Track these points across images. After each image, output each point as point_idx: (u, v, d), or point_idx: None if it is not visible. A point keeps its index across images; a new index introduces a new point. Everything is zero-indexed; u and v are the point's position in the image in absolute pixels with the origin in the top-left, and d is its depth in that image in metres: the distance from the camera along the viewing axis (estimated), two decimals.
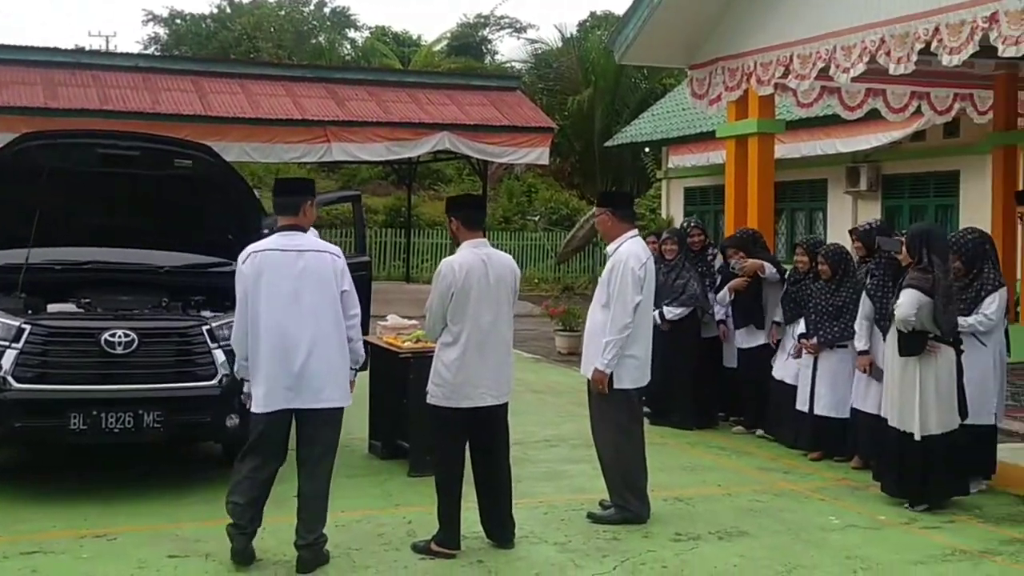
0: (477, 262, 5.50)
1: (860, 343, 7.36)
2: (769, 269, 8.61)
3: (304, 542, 5.17)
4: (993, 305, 6.70)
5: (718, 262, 9.23)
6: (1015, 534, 6.00)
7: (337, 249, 5.41)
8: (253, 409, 5.16)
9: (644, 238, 9.05)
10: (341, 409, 5.28)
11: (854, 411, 7.59)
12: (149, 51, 39.11)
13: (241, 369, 5.26)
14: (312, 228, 5.43)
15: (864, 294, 7.35)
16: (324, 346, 5.15)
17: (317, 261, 5.21)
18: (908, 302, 6.30)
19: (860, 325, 7.36)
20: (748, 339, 8.78)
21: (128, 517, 6.00)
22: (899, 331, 6.44)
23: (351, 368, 5.37)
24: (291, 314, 5.10)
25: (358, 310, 5.39)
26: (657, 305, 7.93)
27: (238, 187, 7.54)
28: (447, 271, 5.47)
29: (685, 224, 9.74)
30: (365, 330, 8.15)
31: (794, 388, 8.10)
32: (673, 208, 22.98)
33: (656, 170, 24.53)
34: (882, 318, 7.05)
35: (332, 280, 5.23)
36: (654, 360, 6.29)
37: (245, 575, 5.13)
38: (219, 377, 6.43)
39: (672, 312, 8.80)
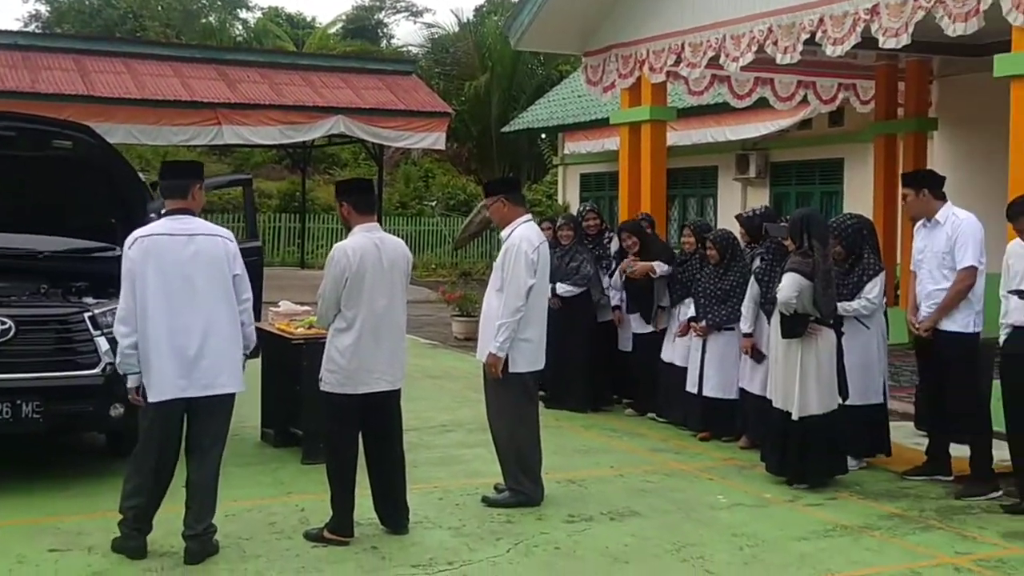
0: (370, 246, 5.45)
1: (745, 325, 7.56)
2: (660, 268, 8.67)
3: (192, 532, 5.07)
4: (875, 289, 6.94)
5: (614, 246, 9.31)
6: (893, 509, 6.24)
7: (228, 232, 5.30)
8: (149, 399, 5.01)
9: (539, 224, 9.13)
10: (234, 396, 5.19)
11: (742, 392, 7.78)
12: (29, 28, 37.59)
13: (125, 359, 5.06)
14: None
15: (752, 278, 7.53)
16: (218, 332, 5.05)
17: (209, 245, 5.11)
18: (789, 285, 6.48)
19: (746, 308, 7.56)
20: (642, 324, 8.91)
21: (6, 510, 5.78)
22: (781, 314, 6.61)
23: (243, 354, 5.28)
24: (183, 300, 4.98)
25: (250, 294, 5.31)
26: (557, 280, 7.98)
27: (121, 170, 7.32)
28: (340, 256, 5.41)
29: (581, 209, 9.82)
30: (257, 316, 8.03)
31: (683, 370, 8.26)
32: (569, 194, 23.16)
33: (552, 156, 24.68)
34: (767, 302, 7.24)
35: (225, 264, 5.13)
36: (549, 344, 6.31)
37: (129, 568, 4.99)
38: (102, 365, 6.23)
39: (564, 288, 8.84)
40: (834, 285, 6.68)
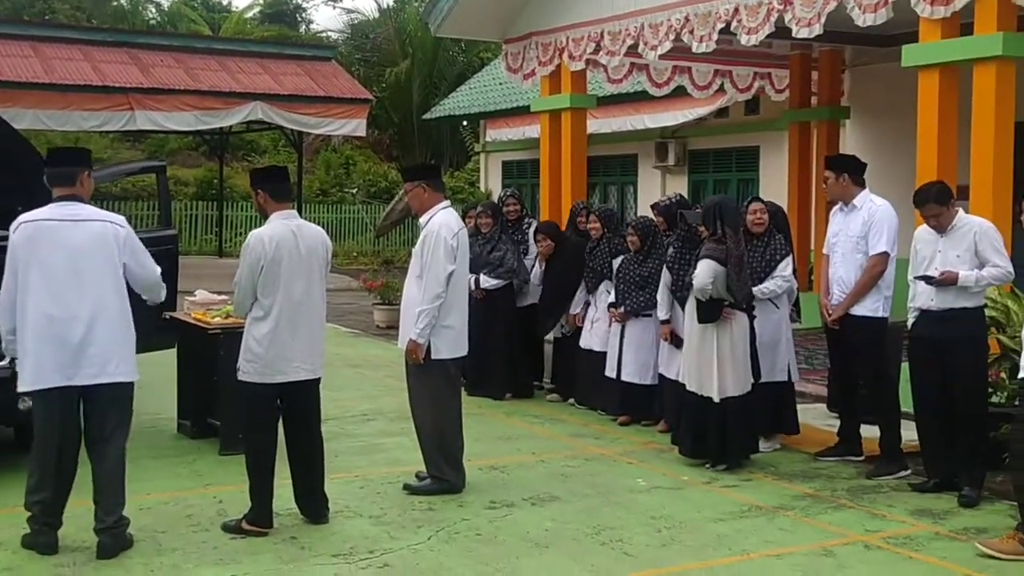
0: (287, 234, 5.39)
1: (661, 312, 7.67)
2: (577, 307, 8.73)
3: (103, 526, 4.97)
4: (788, 269, 7.13)
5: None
6: (806, 489, 6.40)
7: (120, 218, 5.18)
8: (20, 388, 4.92)
9: (465, 212, 9.12)
10: (130, 385, 5.07)
11: (660, 377, 7.88)
12: None
13: (8, 345, 4.97)
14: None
15: (665, 266, 7.64)
16: (106, 319, 4.94)
17: (98, 230, 5.00)
18: (704, 272, 6.58)
19: (661, 295, 7.67)
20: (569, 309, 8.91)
21: None
22: (697, 299, 6.71)
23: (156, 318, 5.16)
24: (68, 287, 4.88)
25: (157, 276, 5.16)
26: (473, 274, 7.96)
27: (28, 156, 7.11)
28: (256, 243, 5.34)
29: (502, 195, 9.83)
30: (173, 306, 7.92)
31: (602, 356, 8.34)
32: (492, 181, 23.17)
33: (474, 143, 24.64)
34: (678, 288, 7.36)
35: (114, 250, 5.01)
36: (470, 332, 6.29)
37: (41, 564, 4.88)
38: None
39: (488, 282, 8.89)
40: (747, 270, 6.80)
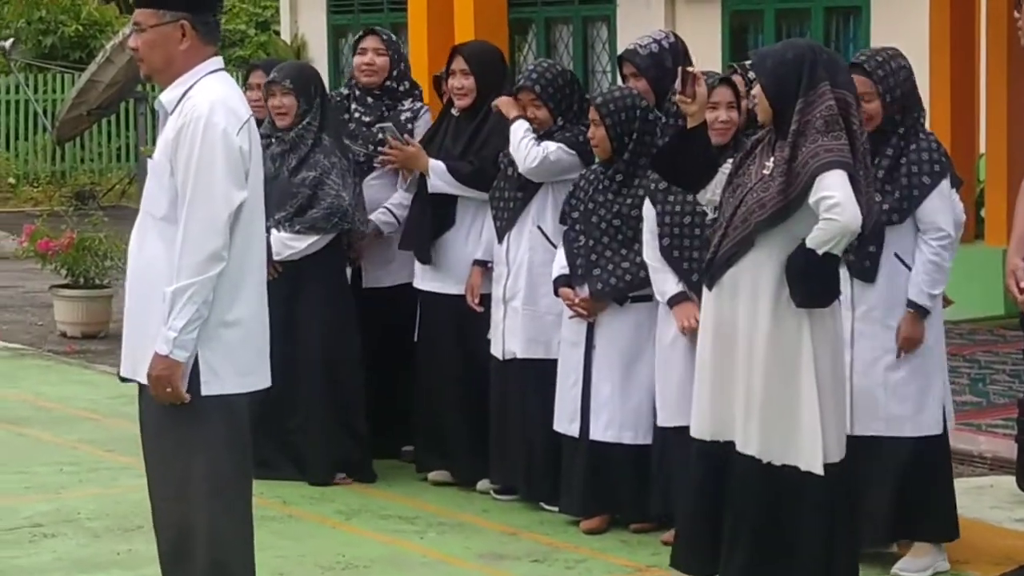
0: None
1: (669, 286, 4.97)
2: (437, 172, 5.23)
3: None
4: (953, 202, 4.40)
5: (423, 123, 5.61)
6: None
7: None
8: None
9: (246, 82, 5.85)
10: None
11: (662, 433, 4.82)
12: None
13: None
14: None
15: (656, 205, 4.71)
16: None
17: None
18: (846, 192, 3.89)
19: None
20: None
21: None
22: (801, 258, 3.91)
23: None
24: None
25: None
26: (270, 216, 4.77)
27: None
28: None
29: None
30: None
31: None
32: (306, 21, 14.13)
33: None
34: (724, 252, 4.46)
35: None
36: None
37: None
38: None
39: (290, 247, 5.14)
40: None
